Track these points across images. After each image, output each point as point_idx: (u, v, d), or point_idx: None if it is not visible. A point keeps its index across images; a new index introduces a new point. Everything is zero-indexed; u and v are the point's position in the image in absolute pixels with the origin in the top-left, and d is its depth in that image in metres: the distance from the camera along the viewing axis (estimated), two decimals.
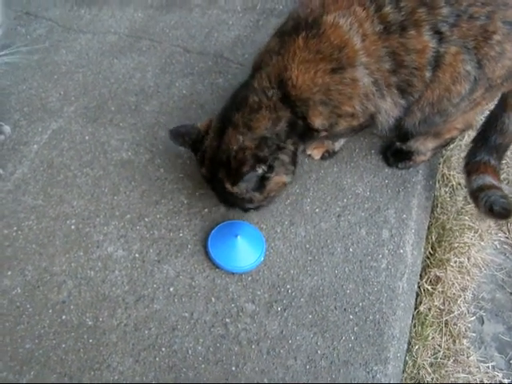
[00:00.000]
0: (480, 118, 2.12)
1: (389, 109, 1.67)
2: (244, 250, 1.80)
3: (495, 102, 1.93)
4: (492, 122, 1.92)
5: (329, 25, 1.54)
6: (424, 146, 1.99)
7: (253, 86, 1.66)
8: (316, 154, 2.06)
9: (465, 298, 2.00)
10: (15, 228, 1.86)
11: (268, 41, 1.75)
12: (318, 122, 1.62)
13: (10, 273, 1.76)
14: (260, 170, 1.62)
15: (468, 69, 1.54)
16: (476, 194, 1.87)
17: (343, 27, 1.53)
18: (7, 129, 2.12)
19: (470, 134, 2.33)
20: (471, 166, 1.95)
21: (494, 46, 1.51)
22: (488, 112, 2.00)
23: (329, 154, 2.07)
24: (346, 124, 1.69)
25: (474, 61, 1.53)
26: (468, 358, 1.86)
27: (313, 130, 1.66)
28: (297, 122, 1.63)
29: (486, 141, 1.93)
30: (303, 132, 1.67)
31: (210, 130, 1.72)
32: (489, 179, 1.87)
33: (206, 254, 1.81)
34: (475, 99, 1.68)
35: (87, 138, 2.13)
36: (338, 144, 2.05)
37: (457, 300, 1.97)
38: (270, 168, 1.65)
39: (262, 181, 1.68)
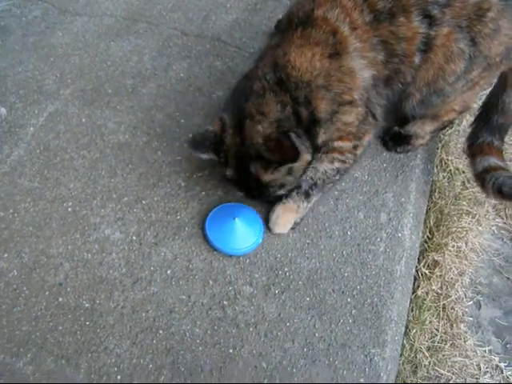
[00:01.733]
0: (477, 101, 2.11)
1: (373, 97, 1.68)
2: (242, 232, 1.79)
3: (493, 83, 1.93)
4: (492, 102, 1.91)
5: (320, 18, 1.56)
6: (422, 130, 1.99)
7: (256, 73, 1.65)
8: (283, 228, 1.86)
9: (462, 283, 2.00)
10: (11, 210, 1.85)
11: (268, 41, 1.77)
12: (322, 106, 1.59)
13: (6, 255, 1.75)
14: (297, 139, 1.58)
15: (461, 47, 1.54)
16: (482, 176, 1.86)
17: (331, 19, 1.54)
18: (3, 111, 2.11)
19: (469, 119, 2.33)
20: (475, 148, 1.94)
21: (487, 23, 1.51)
22: (487, 93, 1.98)
23: (297, 224, 1.88)
24: (344, 116, 1.65)
25: (468, 39, 1.53)
26: (465, 342, 1.87)
27: (316, 120, 1.62)
28: (299, 111, 1.59)
29: (487, 121, 1.92)
30: (307, 125, 1.62)
31: (227, 127, 1.67)
32: (494, 160, 1.86)
33: (204, 236, 1.81)
34: (473, 79, 1.67)
35: (84, 120, 2.12)
36: (308, 206, 1.87)
37: (454, 284, 1.98)
38: (298, 135, 1.60)
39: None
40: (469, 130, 2.01)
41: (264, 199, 1.83)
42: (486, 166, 1.86)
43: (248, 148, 1.62)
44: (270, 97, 1.58)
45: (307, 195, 1.82)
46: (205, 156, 1.73)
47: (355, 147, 1.78)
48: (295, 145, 1.54)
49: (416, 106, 1.76)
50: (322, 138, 1.66)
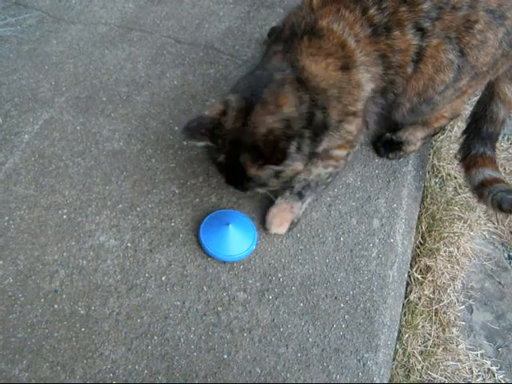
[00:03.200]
0: (467, 108, 2.13)
1: (369, 106, 1.69)
2: (236, 238, 1.81)
3: (480, 93, 1.95)
4: (481, 112, 1.93)
5: (326, 29, 1.56)
6: (413, 136, 2.01)
7: (273, 65, 1.61)
8: (280, 227, 1.86)
9: (454, 287, 2.02)
10: (7, 218, 1.86)
11: (266, 49, 1.77)
12: (333, 116, 1.61)
13: (1, 262, 1.76)
14: (293, 148, 1.53)
15: (451, 58, 1.56)
16: (480, 191, 1.86)
17: (337, 32, 1.54)
18: None
19: (460, 125, 2.36)
20: (468, 161, 1.95)
21: (475, 35, 1.53)
22: (474, 104, 2.00)
23: (294, 224, 1.89)
24: (348, 126, 1.67)
25: (457, 50, 1.55)
26: (457, 346, 1.88)
27: (326, 127, 1.63)
28: (315, 112, 1.58)
29: (478, 132, 1.94)
30: (316, 128, 1.61)
31: (230, 110, 1.58)
32: (488, 172, 1.88)
33: (198, 243, 1.82)
34: (461, 87, 1.69)
35: (78, 128, 2.13)
36: (303, 207, 1.89)
37: (446, 289, 1.99)
38: (299, 148, 1.57)
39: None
40: (460, 141, 2.02)
41: (241, 190, 1.75)
42: (481, 180, 1.87)
43: (246, 135, 1.54)
44: (290, 89, 1.54)
45: (300, 195, 1.85)
46: (200, 143, 1.63)
47: (348, 154, 1.82)
48: (286, 151, 1.49)
49: (406, 115, 1.78)
50: (324, 145, 1.68)
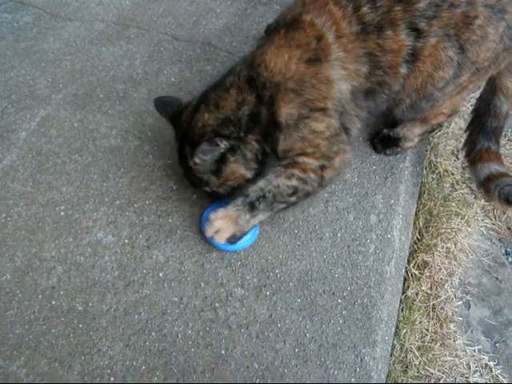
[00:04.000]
0: (465, 104, 2.13)
1: (351, 110, 1.68)
2: None
3: (480, 89, 1.95)
4: (484, 107, 1.93)
5: (307, 22, 1.57)
6: (411, 132, 2.01)
7: (234, 69, 1.69)
8: (217, 234, 1.73)
9: (452, 283, 2.02)
10: (4, 214, 1.86)
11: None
12: (284, 110, 1.58)
13: None
14: (222, 145, 1.61)
15: (450, 54, 1.55)
16: (486, 186, 1.86)
17: (318, 25, 1.56)
18: None
19: (457, 122, 2.36)
20: (473, 156, 1.95)
21: (475, 31, 1.52)
22: (477, 99, 2.01)
23: (236, 238, 1.76)
24: (314, 124, 1.62)
25: (456, 47, 1.54)
26: (455, 341, 1.89)
27: (276, 124, 1.61)
28: (260, 110, 1.60)
29: (482, 127, 1.94)
30: (265, 127, 1.63)
31: (190, 105, 1.73)
32: (494, 167, 1.88)
33: (196, 238, 1.83)
34: (461, 83, 1.69)
35: (76, 125, 2.13)
36: (251, 222, 1.73)
37: (444, 285, 1.99)
38: (232, 149, 1.63)
39: (220, 163, 1.67)
40: (464, 137, 2.03)
41: (192, 185, 1.84)
42: (487, 174, 1.87)
43: (190, 129, 1.67)
44: (233, 93, 1.62)
45: (252, 207, 1.69)
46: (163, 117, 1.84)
47: (322, 168, 1.68)
48: (203, 145, 1.60)
49: (406, 111, 1.78)
50: (282, 145, 1.65)
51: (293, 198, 1.71)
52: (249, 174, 1.72)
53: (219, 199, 1.82)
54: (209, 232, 1.72)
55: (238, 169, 1.69)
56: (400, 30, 1.51)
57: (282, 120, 1.59)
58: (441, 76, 1.61)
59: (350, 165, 1.82)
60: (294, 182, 1.67)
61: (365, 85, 1.62)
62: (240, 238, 1.75)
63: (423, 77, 1.62)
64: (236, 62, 1.78)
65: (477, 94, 2.00)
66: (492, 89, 1.89)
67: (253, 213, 1.69)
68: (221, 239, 1.72)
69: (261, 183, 1.69)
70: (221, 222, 1.70)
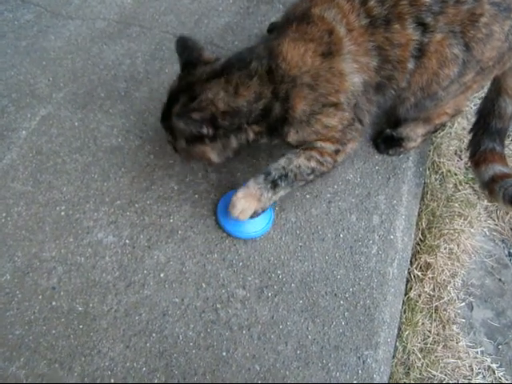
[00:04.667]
0: (469, 105, 2.12)
1: (363, 104, 1.67)
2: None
3: (486, 88, 1.94)
4: (489, 108, 1.92)
5: (316, 16, 1.56)
6: (414, 133, 2.00)
7: (257, 52, 1.64)
8: (242, 213, 1.75)
9: (454, 285, 2.01)
10: (4, 214, 1.85)
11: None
12: (300, 106, 1.58)
13: None
14: (205, 132, 1.59)
15: (455, 52, 1.54)
16: (491, 187, 1.85)
17: (328, 19, 1.55)
18: None
19: (461, 122, 2.35)
20: (477, 157, 1.94)
21: (481, 28, 1.51)
22: (482, 100, 1.99)
23: (257, 215, 1.79)
24: (326, 119, 1.63)
25: (462, 44, 1.53)
26: (457, 343, 1.88)
27: (286, 119, 1.61)
28: (274, 105, 1.59)
29: (486, 128, 1.92)
30: (275, 122, 1.63)
31: (209, 65, 1.68)
32: (498, 168, 1.86)
33: (217, 223, 1.85)
34: (466, 82, 1.68)
35: (76, 124, 2.12)
36: (273, 198, 1.77)
37: (446, 286, 1.98)
38: (214, 138, 1.63)
39: (198, 141, 1.66)
40: (468, 138, 2.01)
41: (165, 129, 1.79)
42: (492, 175, 1.85)
43: (197, 89, 1.61)
44: (255, 83, 1.58)
45: (275, 185, 1.72)
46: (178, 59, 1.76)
47: (337, 152, 1.73)
48: (192, 117, 1.56)
49: (410, 110, 1.76)
50: (294, 137, 1.66)
51: (311, 177, 1.76)
52: (217, 159, 1.73)
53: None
54: (235, 212, 1.72)
55: (209, 153, 1.69)
56: (407, 24, 1.50)
57: (295, 116, 1.60)
58: (446, 74, 1.59)
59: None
60: (313, 164, 1.71)
61: (375, 79, 1.60)
62: (260, 214, 1.78)
63: (429, 74, 1.60)
64: (256, 42, 1.74)
65: (480, 94, 1.99)
66: (497, 90, 1.88)
67: (275, 190, 1.73)
68: (245, 217, 1.74)
69: (282, 162, 1.72)
70: (244, 202, 1.72)
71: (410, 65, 1.57)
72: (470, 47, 1.54)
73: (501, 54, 1.61)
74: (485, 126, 1.93)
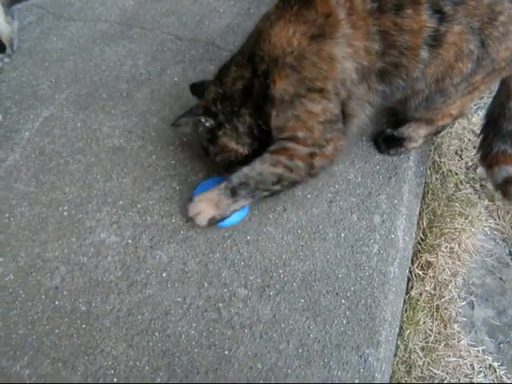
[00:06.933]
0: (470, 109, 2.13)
1: (362, 94, 1.65)
2: None
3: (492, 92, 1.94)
4: (499, 111, 1.90)
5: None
6: (416, 133, 2.00)
7: (244, 45, 1.75)
8: (198, 216, 1.79)
9: (455, 283, 2.01)
10: (7, 215, 1.86)
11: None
12: (280, 84, 1.56)
13: (2, 259, 1.76)
14: (207, 124, 1.71)
15: (471, 48, 1.52)
16: (504, 188, 1.87)
17: (330, 2, 1.51)
18: None
19: (461, 122, 2.35)
20: (489, 159, 1.93)
21: (498, 27, 1.50)
22: (490, 102, 1.99)
23: (215, 222, 1.80)
24: (310, 104, 1.59)
25: (478, 40, 1.51)
26: (459, 342, 1.88)
27: (269, 98, 1.60)
28: (254, 83, 1.61)
29: (497, 130, 1.91)
30: (258, 100, 1.63)
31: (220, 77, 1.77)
32: (511, 169, 1.87)
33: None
34: (474, 83, 1.67)
35: (79, 125, 2.13)
36: (231, 207, 1.77)
37: (448, 285, 1.99)
38: (219, 126, 1.71)
39: (213, 135, 1.74)
40: (479, 141, 2.01)
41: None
42: (505, 177, 1.86)
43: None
44: (232, 69, 1.69)
45: (233, 193, 1.71)
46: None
47: (312, 155, 1.66)
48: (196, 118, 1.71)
49: (420, 104, 1.75)
50: (274, 122, 1.63)
51: (276, 187, 1.72)
52: (242, 149, 1.75)
53: (227, 171, 1.81)
54: (191, 213, 1.77)
55: (229, 143, 1.74)
56: (423, 9, 1.46)
57: (276, 94, 1.57)
58: (460, 68, 1.58)
59: (343, 152, 1.77)
60: (279, 170, 1.66)
61: (376, 64, 1.56)
62: (220, 221, 1.79)
63: (445, 67, 1.58)
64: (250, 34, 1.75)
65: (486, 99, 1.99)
66: (506, 92, 1.86)
67: (234, 198, 1.73)
68: (201, 221, 1.78)
69: (245, 169, 1.70)
70: (203, 205, 1.76)
71: (424, 53, 1.54)
72: (486, 45, 1.52)
73: None
74: (496, 128, 1.92)
